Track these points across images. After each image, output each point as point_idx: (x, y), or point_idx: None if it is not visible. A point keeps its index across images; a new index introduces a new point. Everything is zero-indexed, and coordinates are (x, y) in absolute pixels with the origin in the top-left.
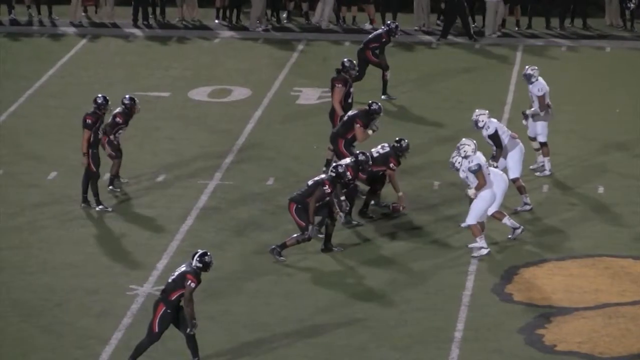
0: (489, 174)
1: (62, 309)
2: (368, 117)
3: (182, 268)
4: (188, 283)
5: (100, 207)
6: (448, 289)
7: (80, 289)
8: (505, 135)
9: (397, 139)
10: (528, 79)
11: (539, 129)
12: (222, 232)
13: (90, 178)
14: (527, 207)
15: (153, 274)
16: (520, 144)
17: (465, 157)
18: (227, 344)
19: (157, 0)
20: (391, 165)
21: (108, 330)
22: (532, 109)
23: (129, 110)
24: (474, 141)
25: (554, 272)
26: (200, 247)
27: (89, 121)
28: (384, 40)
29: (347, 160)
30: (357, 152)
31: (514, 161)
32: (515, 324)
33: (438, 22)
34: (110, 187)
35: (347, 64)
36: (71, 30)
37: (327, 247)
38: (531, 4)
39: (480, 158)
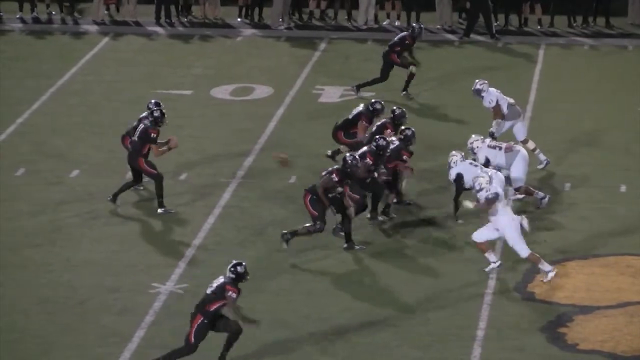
0: (507, 204)
1: (84, 307)
2: (372, 115)
3: (221, 279)
4: (229, 294)
5: (163, 209)
6: (470, 288)
7: (102, 287)
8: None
9: (401, 129)
10: (477, 93)
11: (519, 130)
12: (243, 230)
13: (157, 181)
14: (546, 199)
15: (175, 272)
16: (522, 150)
17: (480, 190)
18: (249, 341)
19: None
20: (404, 157)
21: (130, 328)
22: (493, 126)
23: (157, 123)
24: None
25: (576, 270)
26: (222, 245)
27: (154, 135)
28: (407, 42)
29: (366, 148)
30: (376, 137)
31: (517, 171)
32: (537, 323)
33: (460, 20)
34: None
35: (397, 112)
36: (93, 28)
37: (349, 246)
38: (554, 2)
39: (497, 188)
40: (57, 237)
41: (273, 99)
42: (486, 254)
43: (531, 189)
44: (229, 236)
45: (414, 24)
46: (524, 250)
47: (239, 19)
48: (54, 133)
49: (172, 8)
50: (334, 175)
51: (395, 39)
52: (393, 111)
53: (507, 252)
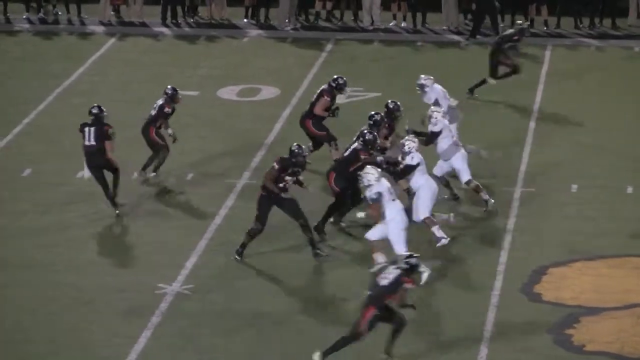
0: (393, 200)
1: (90, 308)
2: (335, 90)
3: (394, 272)
4: (405, 285)
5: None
6: (476, 289)
7: (109, 287)
8: (449, 139)
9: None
10: (421, 88)
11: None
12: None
13: (163, 153)
14: (491, 202)
15: (182, 272)
16: (462, 150)
17: (368, 185)
18: (257, 344)
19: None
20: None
21: (137, 329)
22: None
23: (173, 100)
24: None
25: (582, 272)
26: (228, 246)
27: (167, 110)
28: (515, 38)
29: (355, 144)
30: (364, 131)
31: (459, 166)
32: (544, 324)
33: (466, 21)
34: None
35: (390, 106)
36: (100, 29)
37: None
38: (560, 4)
39: (382, 186)
40: (62, 237)
41: (279, 100)
42: (374, 255)
43: (479, 187)
44: (235, 237)
45: (519, 22)
46: (401, 249)
47: (245, 20)
48: (60, 133)
49: (179, 8)
50: (364, 156)
51: (504, 33)
52: (386, 105)
53: (513, 254)
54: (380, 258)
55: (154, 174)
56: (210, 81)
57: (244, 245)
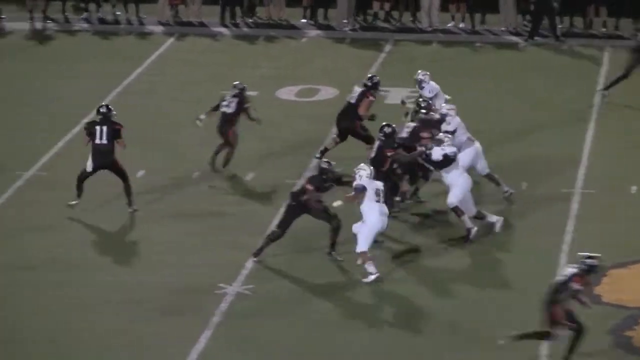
0: (377, 201)
1: (151, 307)
2: (374, 88)
3: (571, 270)
4: (572, 284)
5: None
6: (536, 291)
7: (169, 287)
8: (463, 135)
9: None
10: (419, 84)
11: None
12: (310, 229)
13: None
14: (508, 193)
15: (242, 272)
16: (477, 144)
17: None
18: (316, 343)
19: (244, 0)
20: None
21: (197, 329)
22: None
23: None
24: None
25: None
26: (289, 246)
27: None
28: None
29: (378, 142)
30: (383, 124)
31: (474, 160)
32: (604, 326)
33: (525, 22)
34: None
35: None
36: (158, 29)
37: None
38: (618, 5)
39: (371, 184)
40: (124, 236)
41: (338, 100)
42: (366, 265)
43: (497, 180)
44: (295, 237)
45: None
46: (362, 246)
47: (303, 20)
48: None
49: (237, 9)
50: (309, 186)
51: None
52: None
53: (572, 255)
54: (371, 268)
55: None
56: (269, 81)
57: (261, 249)
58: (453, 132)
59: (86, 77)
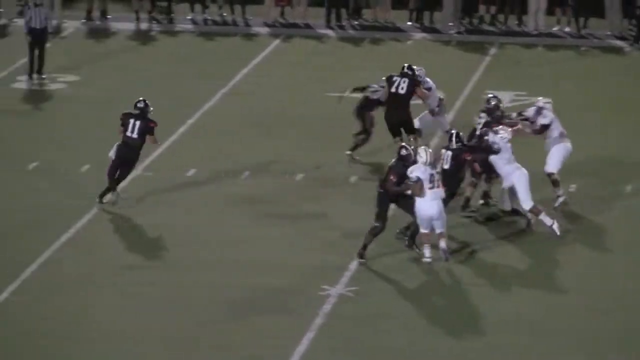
0: (430, 187)
1: (254, 307)
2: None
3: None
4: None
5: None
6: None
7: (273, 288)
8: (556, 131)
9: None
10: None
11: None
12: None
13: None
14: (561, 199)
15: (345, 274)
16: (568, 143)
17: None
18: (425, 349)
19: (350, 2)
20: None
21: (300, 330)
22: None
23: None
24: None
25: None
26: (392, 247)
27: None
28: None
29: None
30: (451, 132)
31: (556, 157)
32: None
33: (631, 27)
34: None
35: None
36: (264, 30)
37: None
38: None
39: (419, 170)
40: (230, 237)
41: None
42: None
43: (557, 182)
44: (396, 243)
45: None
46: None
47: (409, 23)
48: (224, 134)
49: (343, 11)
50: (392, 177)
51: None
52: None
53: None
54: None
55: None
56: (374, 83)
57: (365, 246)
58: (548, 126)
59: (192, 77)
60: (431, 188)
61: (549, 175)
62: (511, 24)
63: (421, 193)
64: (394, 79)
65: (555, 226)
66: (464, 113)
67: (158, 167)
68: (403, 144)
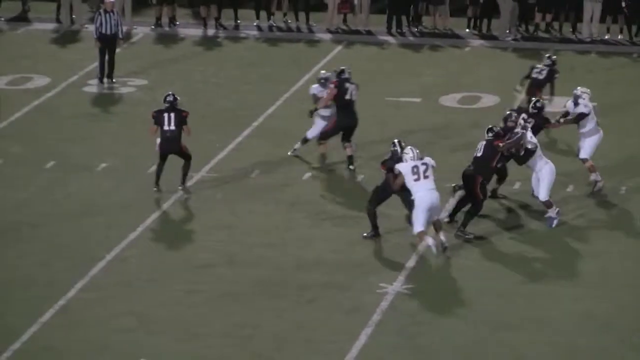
0: (416, 179)
1: (314, 306)
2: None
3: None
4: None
5: None
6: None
7: (333, 285)
8: (592, 121)
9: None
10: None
11: None
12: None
13: None
14: (600, 184)
15: (402, 273)
16: (601, 132)
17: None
18: (471, 344)
19: (410, 9)
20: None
21: (358, 326)
22: None
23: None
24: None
25: None
26: (448, 249)
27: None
28: None
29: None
30: (489, 127)
31: (589, 144)
32: None
33: None
34: None
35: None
36: (327, 36)
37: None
38: None
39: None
40: (289, 236)
41: (499, 108)
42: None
43: (593, 167)
44: (452, 241)
45: None
46: (416, 227)
47: (467, 30)
48: (287, 137)
49: (403, 18)
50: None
51: None
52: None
53: None
54: (430, 240)
55: None
56: (433, 89)
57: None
58: (586, 115)
59: (258, 81)
60: (416, 180)
61: (584, 161)
62: (566, 32)
63: (394, 184)
64: (346, 85)
65: (556, 221)
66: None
67: (222, 168)
68: (395, 140)
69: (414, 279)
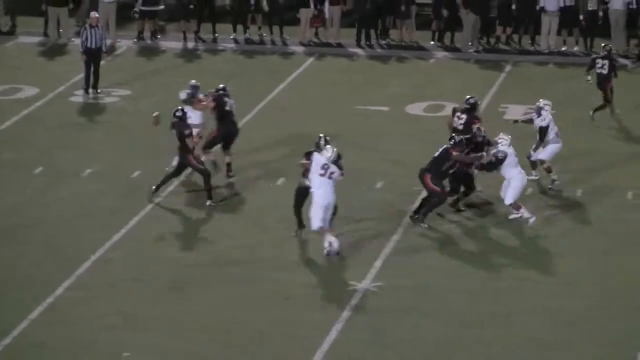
0: (322, 174)
1: (289, 302)
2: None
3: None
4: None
5: None
6: (616, 287)
7: (306, 283)
8: (552, 131)
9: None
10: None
11: None
12: (431, 236)
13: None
14: (557, 183)
15: (371, 271)
16: (561, 143)
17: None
18: (443, 342)
19: (378, 23)
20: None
21: (329, 322)
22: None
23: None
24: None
25: None
26: (413, 249)
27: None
28: None
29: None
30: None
31: (551, 150)
32: None
33: (634, 46)
34: None
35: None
36: (300, 49)
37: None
38: None
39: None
40: (265, 238)
41: None
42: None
43: (550, 169)
44: (419, 241)
45: None
46: (314, 225)
47: (432, 42)
48: (264, 145)
49: (372, 31)
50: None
51: None
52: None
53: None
54: (331, 238)
55: None
56: (400, 98)
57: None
58: (547, 127)
59: (233, 92)
60: (322, 175)
61: (542, 162)
62: (525, 44)
63: (302, 164)
64: (225, 99)
65: (533, 220)
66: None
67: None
68: (321, 134)
69: (382, 277)
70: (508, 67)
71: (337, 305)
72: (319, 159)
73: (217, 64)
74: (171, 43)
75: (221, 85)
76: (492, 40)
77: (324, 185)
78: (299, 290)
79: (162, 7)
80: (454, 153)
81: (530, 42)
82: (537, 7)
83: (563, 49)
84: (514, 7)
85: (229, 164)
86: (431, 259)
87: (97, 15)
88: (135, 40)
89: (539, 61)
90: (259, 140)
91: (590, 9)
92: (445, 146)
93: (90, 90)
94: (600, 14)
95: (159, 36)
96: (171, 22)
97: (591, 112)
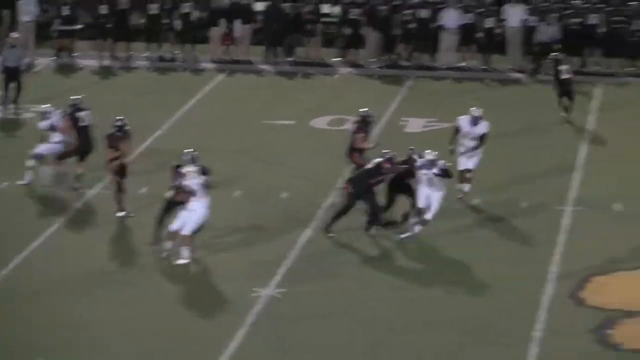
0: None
1: (194, 310)
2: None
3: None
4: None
5: None
6: (529, 294)
7: (212, 291)
8: (472, 142)
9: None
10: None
11: None
12: (338, 245)
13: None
14: (467, 191)
15: (275, 278)
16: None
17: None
18: (346, 345)
19: (286, 41)
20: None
21: (234, 328)
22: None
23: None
24: None
25: (624, 280)
26: (317, 256)
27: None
28: None
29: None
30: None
31: (478, 159)
32: (586, 326)
33: (529, 61)
34: None
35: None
36: (211, 66)
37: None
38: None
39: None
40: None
41: None
42: (184, 248)
43: (468, 180)
44: (324, 248)
45: None
46: (187, 229)
47: (336, 59)
48: (174, 157)
49: (279, 49)
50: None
51: None
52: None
53: (562, 264)
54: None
55: None
56: (306, 112)
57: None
58: (483, 136)
59: (148, 107)
60: (202, 196)
61: (469, 170)
62: (425, 60)
63: (186, 198)
64: (77, 115)
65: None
66: (384, 137)
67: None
68: (190, 150)
69: (285, 284)
70: (409, 82)
71: (242, 311)
72: (195, 183)
73: (131, 81)
74: (88, 61)
75: (72, 98)
76: (394, 57)
77: (204, 203)
78: (204, 298)
79: (80, 26)
80: (387, 166)
81: (430, 58)
82: (436, 25)
83: (462, 64)
84: (414, 25)
85: (80, 175)
86: (335, 267)
87: (16, 35)
88: (54, 57)
89: (438, 76)
90: (170, 153)
91: (487, 26)
92: (377, 160)
93: (10, 106)
94: (498, 30)
95: (76, 54)
96: (88, 40)
97: (564, 114)
